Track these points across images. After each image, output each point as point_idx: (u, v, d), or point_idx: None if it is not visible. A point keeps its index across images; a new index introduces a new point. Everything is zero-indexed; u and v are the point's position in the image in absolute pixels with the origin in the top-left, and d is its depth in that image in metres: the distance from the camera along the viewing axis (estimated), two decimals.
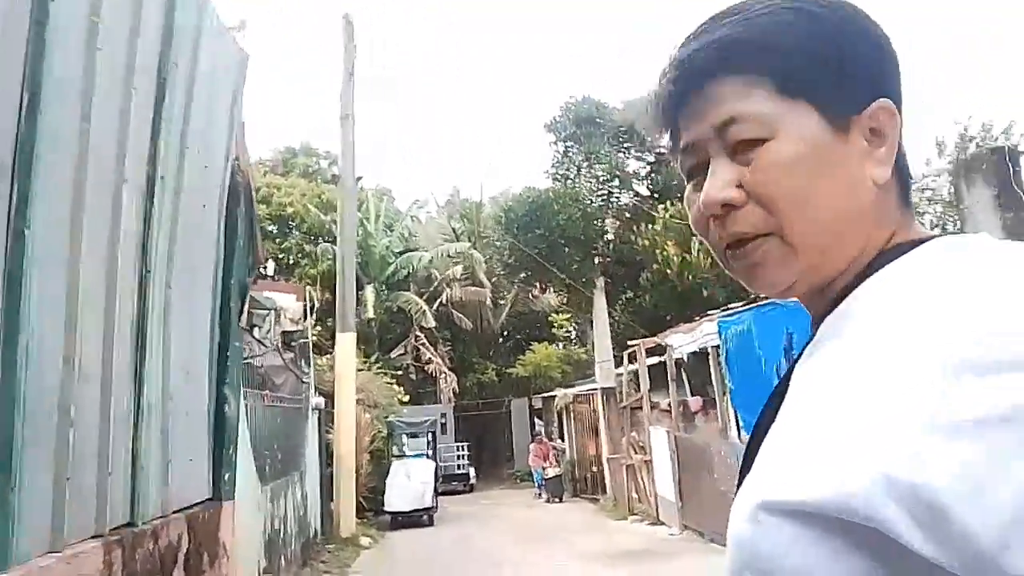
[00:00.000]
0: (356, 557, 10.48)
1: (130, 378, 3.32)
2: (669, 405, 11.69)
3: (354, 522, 12.06)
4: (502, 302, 24.85)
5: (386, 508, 13.64)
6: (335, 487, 12.05)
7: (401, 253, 23.69)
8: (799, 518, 0.54)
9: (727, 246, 0.69)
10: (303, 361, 12.36)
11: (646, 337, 12.96)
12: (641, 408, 12.87)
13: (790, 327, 7.31)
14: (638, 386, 13.22)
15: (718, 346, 9.40)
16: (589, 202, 18.84)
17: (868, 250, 0.66)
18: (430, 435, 16.77)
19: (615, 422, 14.66)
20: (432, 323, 22.42)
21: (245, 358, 9.07)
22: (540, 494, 17.30)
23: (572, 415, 18.52)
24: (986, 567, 0.47)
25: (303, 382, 11.78)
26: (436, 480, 15.39)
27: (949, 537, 0.48)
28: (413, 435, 16.31)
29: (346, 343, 12.85)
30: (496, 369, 24.19)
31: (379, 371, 18.13)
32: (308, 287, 17.13)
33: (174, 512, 3.49)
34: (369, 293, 21.87)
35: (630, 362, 13.67)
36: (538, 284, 21.25)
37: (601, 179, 19.07)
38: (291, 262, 24.63)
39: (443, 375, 22.25)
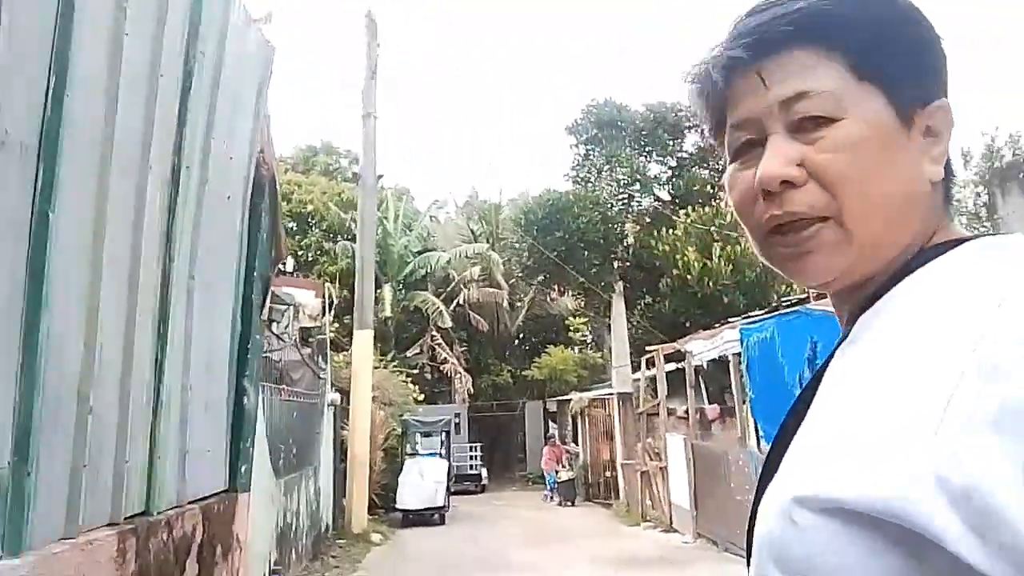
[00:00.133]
0: (367, 553, 10.47)
1: (150, 367, 3.30)
2: (686, 412, 11.59)
3: (366, 518, 12.07)
4: (519, 304, 24.81)
5: (398, 506, 13.65)
6: (348, 483, 12.06)
7: (419, 253, 23.71)
8: (836, 515, 0.53)
9: (773, 229, 0.67)
10: (320, 357, 12.40)
11: (664, 343, 12.87)
12: (657, 414, 12.77)
13: (814, 336, 7.19)
14: (655, 392, 13.13)
15: (738, 354, 9.28)
16: (609, 206, 18.77)
17: (912, 247, 0.65)
18: (444, 435, 16.76)
19: (630, 428, 14.56)
20: (448, 323, 22.42)
21: (264, 352, 9.12)
22: (552, 497, 17.20)
23: (587, 419, 18.42)
24: None
25: (320, 378, 11.82)
26: (449, 480, 15.38)
27: (999, 542, 0.47)
28: (427, 434, 16.31)
29: (363, 340, 12.87)
30: (511, 371, 24.15)
31: (395, 369, 18.14)
32: (327, 284, 17.20)
33: (190, 503, 3.47)
34: (387, 292, 21.90)
35: (647, 368, 13.57)
36: (556, 287, 21.19)
37: (622, 183, 18.98)
38: (310, 259, 24.73)
39: (458, 375, 22.24)
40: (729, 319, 10.74)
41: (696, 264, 15.96)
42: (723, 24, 0.73)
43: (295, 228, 25.33)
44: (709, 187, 18.29)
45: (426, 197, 30.23)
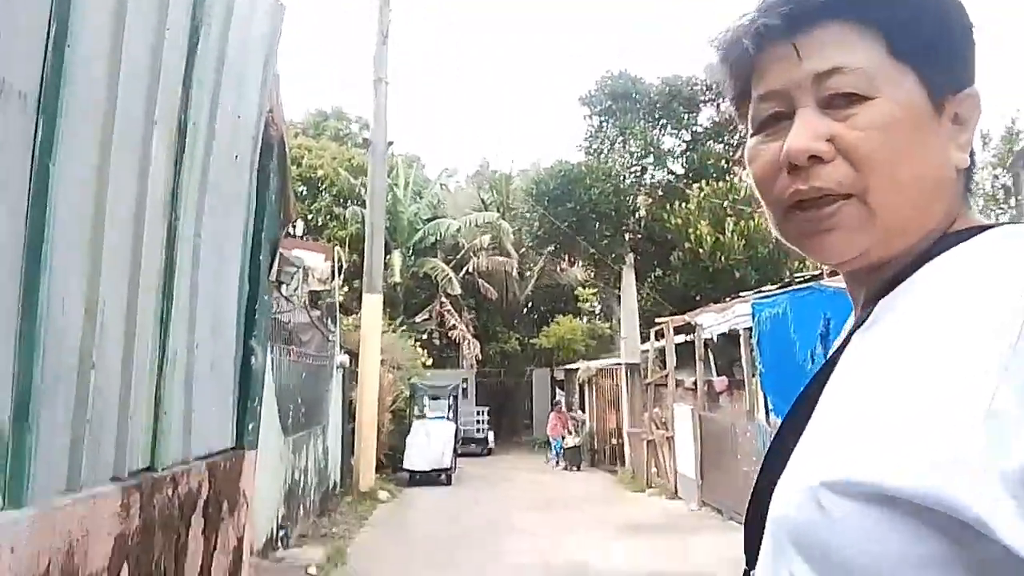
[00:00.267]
0: (373, 510, 10.63)
1: (155, 326, 3.29)
2: (694, 384, 11.60)
3: (373, 477, 12.24)
4: (528, 273, 24.78)
5: (405, 466, 13.83)
6: (356, 443, 12.22)
7: (429, 220, 23.66)
8: (872, 501, 0.52)
9: (794, 204, 0.66)
10: (329, 320, 12.45)
11: (673, 316, 12.84)
12: (664, 385, 12.80)
13: (827, 312, 7.12)
14: (663, 364, 13.14)
15: (749, 328, 9.24)
16: (622, 178, 18.59)
17: (934, 232, 0.65)
18: (452, 399, 16.89)
19: (637, 398, 14.61)
20: (457, 290, 22.45)
21: (273, 313, 9.15)
22: (557, 462, 17.37)
23: (594, 388, 18.49)
24: None
25: (329, 340, 11.88)
26: (455, 442, 15.56)
27: None
28: (435, 398, 16.46)
29: (372, 304, 12.91)
30: (519, 339, 24.23)
31: (404, 334, 18.22)
32: (336, 248, 17.19)
33: (195, 460, 3.48)
34: (396, 258, 21.91)
35: (656, 339, 13.57)
36: (566, 257, 21.12)
37: (635, 155, 18.78)
38: (320, 224, 24.73)
39: (466, 341, 22.32)
40: (740, 294, 10.69)
41: (708, 238, 15.83)
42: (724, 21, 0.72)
43: (305, 193, 25.28)
44: (723, 161, 18.08)
45: (437, 165, 30.09)
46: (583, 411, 19.05)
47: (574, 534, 8.90)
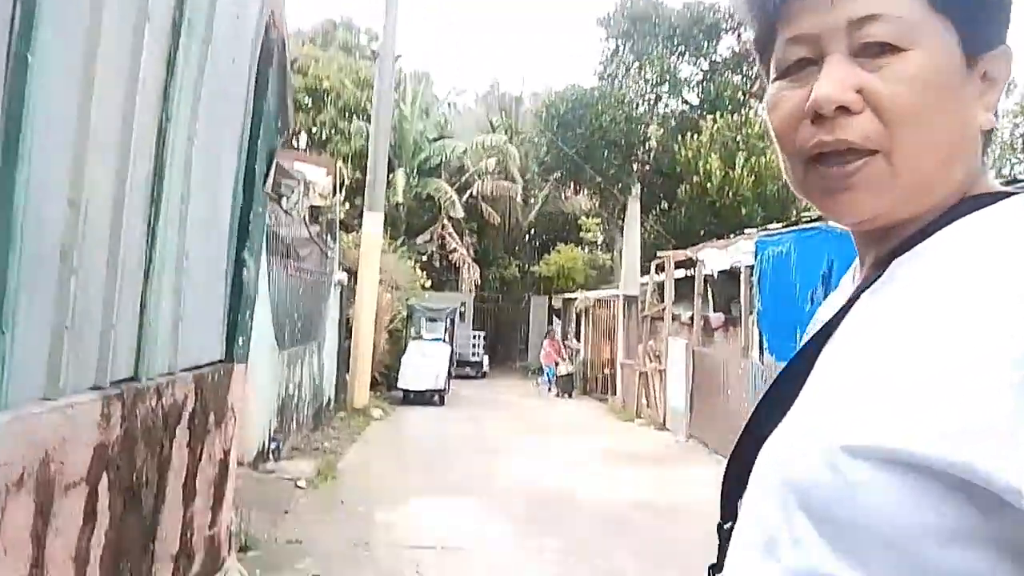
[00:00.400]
0: (366, 427, 10.80)
1: (143, 230, 3.18)
2: (690, 319, 11.60)
3: (367, 395, 12.39)
4: (532, 200, 24.53)
5: (399, 385, 13.98)
6: (351, 360, 12.28)
7: (435, 140, 23.22)
8: (894, 467, 0.51)
9: (816, 157, 0.63)
10: (329, 236, 12.34)
11: (675, 250, 12.74)
12: (661, 319, 12.81)
13: (832, 254, 7.02)
14: (661, 297, 13.12)
15: (751, 266, 9.15)
16: (635, 105, 18.14)
17: (953, 195, 0.63)
18: (449, 321, 16.95)
19: (633, 330, 14.66)
20: (460, 213, 22.25)
21: (271, 227, 9.02)
22: (549, 388, 17.56)
23: (591, 318, 18.55)
24: None
25: (327, 256, 11.80)
26: (451, 364, 15.71)
27: None
28: (432, 319, 16.51)
29: (373, 222, 12.78)
30: (519, 265, 24.20)
31: (404, 255, 18.15)
32: (339, 163, 16.92)
33: (182, 371, 3.43)
34: (400, 177, 21.60)
35: (656, 273, 13.51)
36: (571, 185, 20.84)
37: (650, 82, 18.26)
38: (324, 137, 24.29)
39: (466, 265, 22.29)
40: (745, 231, 10.55)
41: (718, 173, 15.55)
42: None
43: (310, 104, 24.72)
44: (740, 93, 17.58)
45: (446, 84, 29.32)
46: (578, 340, 19.17)
47: (561, 460, 9.04)
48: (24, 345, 2.14)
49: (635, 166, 17.95)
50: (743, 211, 15.15)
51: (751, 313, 9.32)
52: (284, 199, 12.11)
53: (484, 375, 20.49)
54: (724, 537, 0.71)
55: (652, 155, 18.22)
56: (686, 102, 18.75)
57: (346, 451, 8.73)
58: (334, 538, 5.18)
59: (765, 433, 0.64)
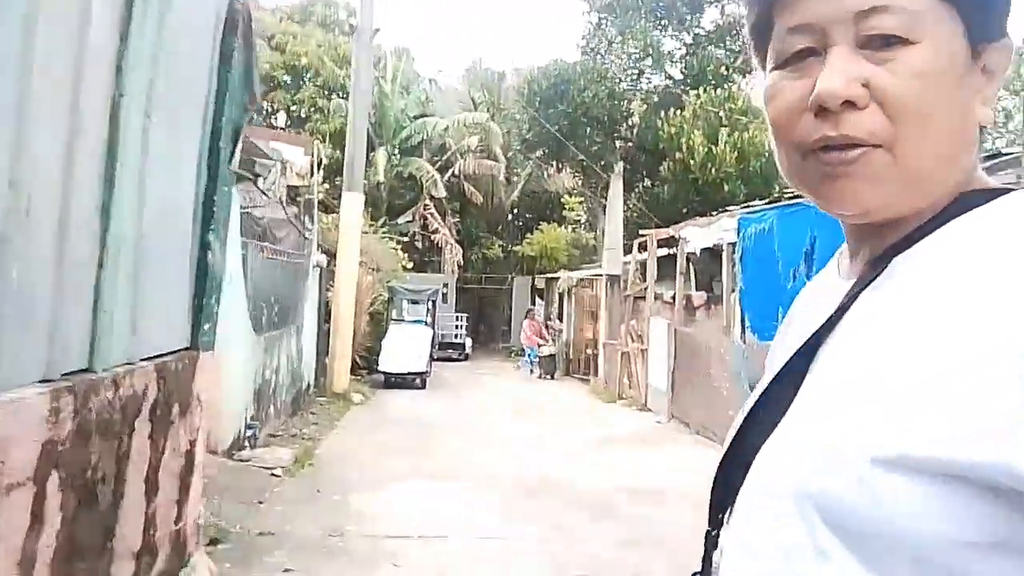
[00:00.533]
0: (346, 411, 10.64)
1: (95, 212, 3.00)
2: (672, 298, 11.52)
3: (348, 379, 12.21)
4: (515, 178, 24.31)
5: (380, 368, 13.83)
6: (331, 344, 12.10)
7: (416, 118, 22.85)
8: (924, 476, 0.50)
9: (818, 149, 0.61)
10: (307, 217, 12.12)
11: (659, 228, 12.63)
12: (643, 298, 12.72)
13: (815, 231, 6.93)
14: (643, 276, 13.03)
15: (733, 243, 9.06)
16: (618, 80, 17.95)
17: (952, 190, 0.62)
18: (431, 303, 16.80)
19: (616, 309, 14.58)
20: (442, 193, 21.99)
21: (245, 208, 8.80)
22: (532, 370, 17.46)
23: (574, 298, 18.46)
24: None
25: (305, 238, 11.59)
26: (432, 347, 15.56)
27: None
28: (414, 302, 16.33)
29: (352, 202, 12.55)
30: (502, 245, 24.02)
31: (385, 236, 17.91)
32: (317, 143, 16.63)
33: (142, 360, 3.27)
34: (380, 156, 21.28)
35: (639, 251, 13.41)
36: (554, 163, 20.67)
37: (633, 56, 18.05)
38: (303, 116, 23.90)
39: (449, 246, 22.07)
40: (728, 208, 10.45)
41: (701, 149, 15.43)
42: None
43: (288, 82, 24.31)
44: (724, 68, 17.42)
45: (428, 62, 28.91)
46: (561, 320, 19.07)
47: (543, 443, 8.96)
48: None
49: (618, 143, 17.81)
50: (726, 188, 15.07)
51: (733, 292, 9.25)
52: (261, 179, 11.90)
53: (467, 357, 20.36)
54: (711, 544, 0.69)
55: (635, 131, 18.09)
56: (669, 77, 18.59)
57: (325, 437, 8.59)
58: (309, 528, 5.04)
59: (761, 438, 0.62)
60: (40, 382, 2.47)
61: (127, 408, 3.03)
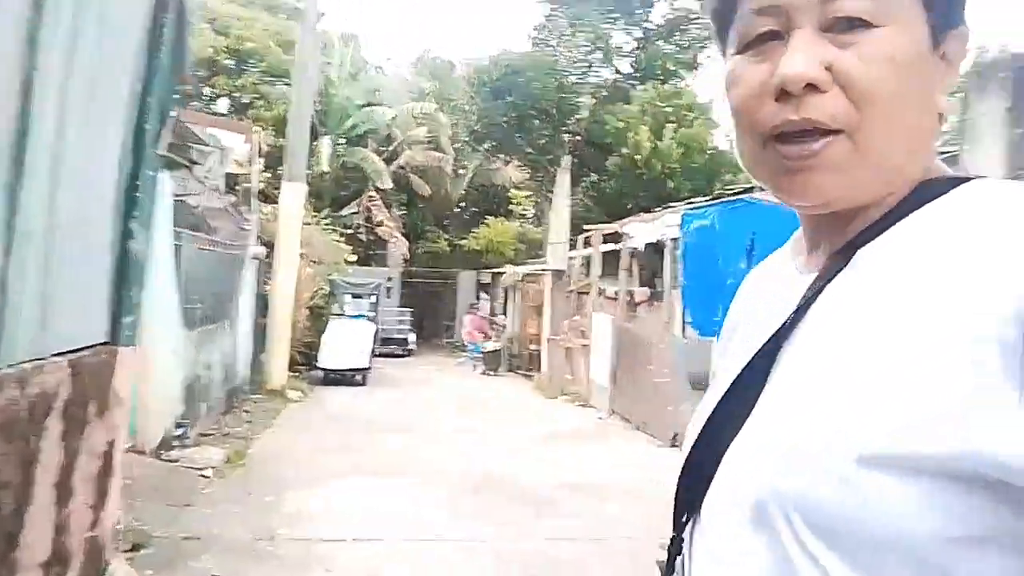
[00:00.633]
0: (283, 409, 10.34)
1: (1, 196, 2.77)
2: (616, 294, 11.56)
3: (285, 375, 11.88)
4: (463, 171, 24.09)
5: (319, 364, 13.50)
6: (268, 339, 11.75)
7: (363, 107, 22.40)
8: (909, 473, 0.49)
9: (779, 136, 0.60)
10: (246, 207, 11.74)
11: (604, 223, 12.68)
12: (587, 293, 12.75)
13: (755, 227, 7.02)
14: (588, 271, 13.06)
15: (676, 239, 9.12)
16: (567, 74, 17.95)
17: (912, 180, 0.61)
18: (374, 297, 16.49)
19: (560, 304, 14.59)
20: (388, 184, 21.61)
21: (179, 196, 8.45)
22: (475, 366, 17.33)
23: (518, 293, 18.41)
24: None
25: (243, 229, 11.23)
26: (374, 342, 15.27)
27: None
28: (356, 296, 16.02)
29: (293, 192, 12.21)
30: (449, 240, 23.79)
31: (327, 227, 17.52)
32: (259, 130, 16.14)
33: (53, 356, 3.05)
34: (324, 145, 20.80)
35: (585, 247, 13.43)
36: (502, 156, 20.60)
37: (583, 49, 18.09)
38: (246, 102, 23.20)
39: (394, 239, 21.73)
40: (671, 204, 10.54)
41: (647, 144, 15.56)
42: None
43: (232, 67, 23.57)
44: (672, 64, 17.60)
45: (377, 50, 28.44)
46: (505, 315, 19.00)
47: (484, 440, 8.89)
48: None
49: (566, 137, 17.85)
50: (671, 183, 15.24)
51: (675, 287, 9.32)
52: (198, 166, 11.47)
53: (410, 353, 20.06)
54: (676, 550, 0.68)
55: (583, 125, 18.13)
56: (618, 71, 18.70)
57: (259, 436, 8.31)
58: (238, 531, 4.84)
59: (726, 441, 0.61)
60: None
61: (35, 407, 2.82)
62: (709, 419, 0.66)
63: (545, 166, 17.64)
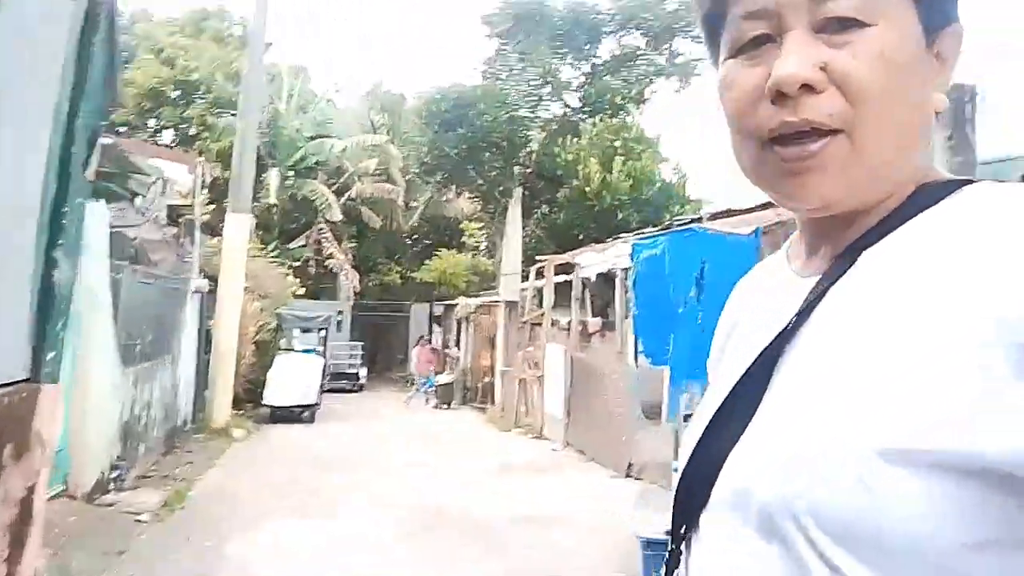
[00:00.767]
0: (226, 449, 9.94)
1: None
2: (569, 324, 11.54)
3: (229, 413, 11.47)
4: (414, 203, 24.02)
5: (265, 401, 13.06)
6: (211, 375, 11.35)
7: (312, 139, 22.21)
8: (931, 472, 0.49)
9: (777, 143, 0.60)
10: (188, 239, 11.41)
11: (556, 254, 12.70)
12: (540, 324, 12.70)
13: (704, 256, 7.08)
14: (540, 302, 13.03)
15: (627, 269, 9.16)
16: (517, 107, 18.13)
17: (911, 180, 0.61)
18: (323, 331, 16.15)
19: (513, 336, 14.52)
20: (338, 217, 21.38)
21: (116, 226, 8.14)
22: (427, 400, 17.02)
23: (472, 325, 18.28)
24: None
25: (185, 261, 10.90)
26: (323, 377, 14.89)
27: None
28: (305, 330, 15.66)
29: (237, 224, 11.94)
30: (400, 272, 23.60)
31: (275, 260, 17.18)
32: (204, 161, 15.82)
33: None
34: (273, 177, 20.50)
35: (537, 278, 13.43)
36: (454, 187, 20.60)
37: (532, 83, 18.32)
38: (192, 134, 22.83)
39: (344, 272, 21.44)
40: (622, 235, 10.63)
41: (596, 176, 15.76)
42: None
43: (177, 98, 23.21)
44: (619, 98, 17.93)
45: (326, 82, 28.28)
46: (459, 348, 18.82)
47: (434, 475, 8.68)
48: None
49: (516, 169, 17.95)
50: (620, 215, 15.41)
51: (627, 317, 9.33)
52: (139, 197, 11.13)
53: (361, 388, 19.61)
54: (674, 563, 0.67)
55: (533, 158, 18.28)
56: (567, 105, 18.96)
57: (200, 477, 7.94)
58: None
59: (727, 449, 0.60)
60: None
61: None
62: (708, 427, 0.65)
63: (496, 198, 17.69)
